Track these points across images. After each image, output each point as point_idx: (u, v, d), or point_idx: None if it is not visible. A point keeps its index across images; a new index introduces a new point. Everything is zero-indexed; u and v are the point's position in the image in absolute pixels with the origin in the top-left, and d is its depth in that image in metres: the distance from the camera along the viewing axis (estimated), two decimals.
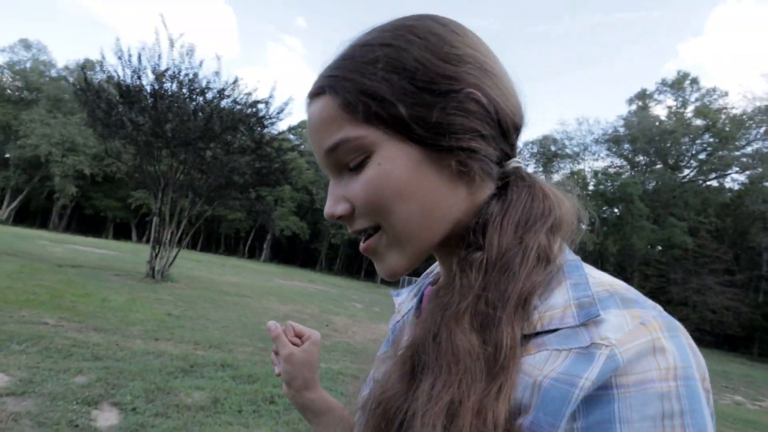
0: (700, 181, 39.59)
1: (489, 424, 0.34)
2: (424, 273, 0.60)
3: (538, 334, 0.37)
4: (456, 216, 0.43)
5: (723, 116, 37.88)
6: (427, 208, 0.41)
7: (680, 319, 0.37)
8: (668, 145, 39.55)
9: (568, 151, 45.67)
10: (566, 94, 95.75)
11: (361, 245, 0.45)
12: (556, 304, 0.37)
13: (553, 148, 45.84)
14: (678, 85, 40.29)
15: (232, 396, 5.04)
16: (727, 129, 37.17)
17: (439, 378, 0.36)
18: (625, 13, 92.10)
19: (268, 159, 16.20)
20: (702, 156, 39.51)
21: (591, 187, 43.67)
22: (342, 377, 7.06)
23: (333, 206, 0.44)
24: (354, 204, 0.43)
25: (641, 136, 39.39)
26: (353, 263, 61.35)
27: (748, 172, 37.20)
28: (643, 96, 42.33)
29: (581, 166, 45.51)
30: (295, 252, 63.61)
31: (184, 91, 13.49)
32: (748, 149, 37.11)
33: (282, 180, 17.16)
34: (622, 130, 41.94)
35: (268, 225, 50.65)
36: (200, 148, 13.81)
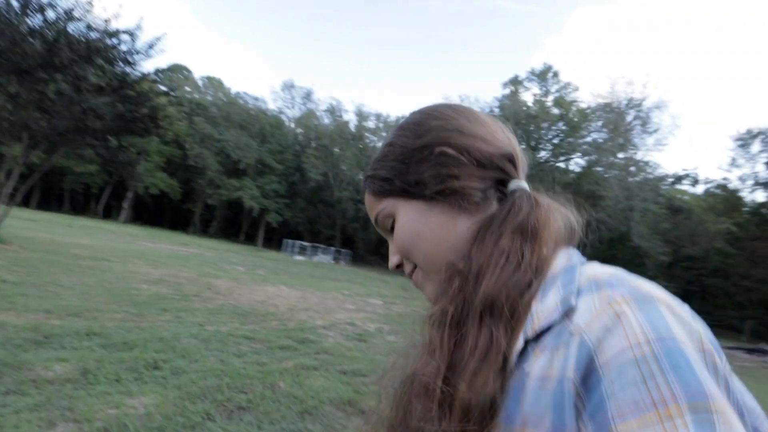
0: (552, 162, 45.94)
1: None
2: None
3: (539, 336, 0.42)
4: (466, 242, 0.53)
5: (573, 108, 44.10)
6: (438, 243, 0.53)
7: None
8: (531, 128, 44.85)
9: None
10: (452, 70, 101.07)
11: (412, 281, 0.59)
12: (549, 305, 0.43)
13: None
14: (543, 75, 45.55)
15: (105, 365, 4.39)
16: (575, 120, 43.48)
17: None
18: (505, 2, 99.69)
19: (133, 102, 14.04)
20: (556, 141, 45.77)
21: None
22: (233, 339, 6.66)
23: (391, 260, 0.60)
24: (398, 254, 0.58)
25: (512, 118, 43.91)
26: (231, 225, 57.72)
27: (586, 158, 44.26)
28: (515, 82, 46.92)
29: None
30: (161, 213, 57.33)
31: (14, 2, 10.78)
32: (588, 138, 44.03)
33: (152, 128, 15.13)
34: (497, 111, 46.14)
35: (130, 181, 44.50)
36: (40, 80, 11.30)
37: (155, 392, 4.20)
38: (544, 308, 0.43)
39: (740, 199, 42.31)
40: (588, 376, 0.35)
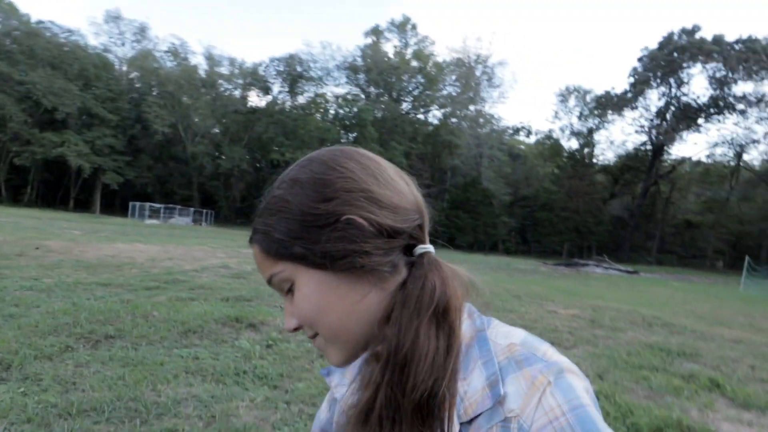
0: (412, 114, 48.42)
1: None
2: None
3: (472, 420, 0.44)
4: (375, 315, 0.48)
5: (431, 61, 46.55)
6: (345, 316, 0.48)
7: None
8: (393, 80, 46.20)
9: (312, 74, 47.25)
10: (312, 15, 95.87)
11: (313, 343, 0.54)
12: (477, 389, 0.44)
13: (299, 69, 46.46)
14: (402, 27, 46.68)
15: None
16: (433, 73, 46.10)
17: None
18: None
19: None
20: (416, 93, 48.10)
21: (332, 112, 47.16)
22: (82, 286, 5.72)
23: (288, 322, 0.52)
24: (299, 322, 0.51)
25: (374, 68, 44.48)
26: (54, 191, 47.80)
27: (443, 110, 47.77)
28: (376, 32, 47.19)
29: (324, 90, 48.15)
30: None
31: None
32: (444, 92, 47.37)
33: None
34: (359, 60, 46.12)
35: None
36: None
37: None
38: (472, 391, 0.44)
39: (561, 146, 50.85)
40: None
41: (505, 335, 0.48)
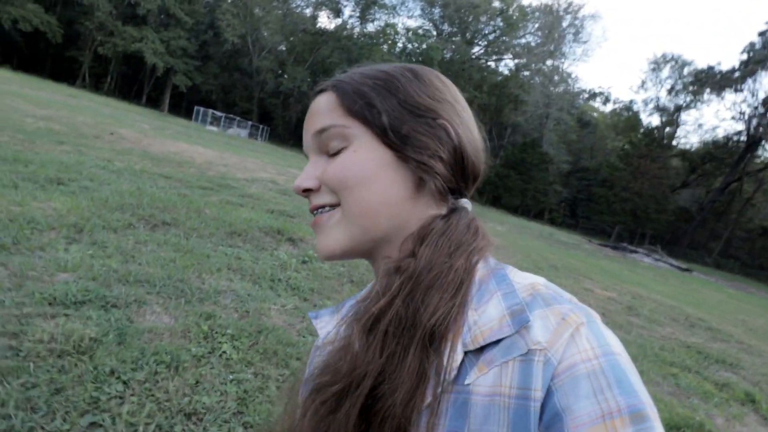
0: (483, 60, 45.67)
1: None
2: (352, 297, 0.59)
3: (482, 349, 0.40)
4: (402, 219, 0.48)
5: (515, 4, 42.86)
6: (381, 201, 0.47)
7: None
8: (470, 19, 43.21)
9: (386, 1, 45.02)
10: None
11: (312, 221, 0.51)
12: (493, 317, 0.41)
13: None
14: None
15: None
16: (515, 17, 42.59)
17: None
18: None
19: None
20: (491, 37, 44.98)
21: (400, 45, 45.32)
22: (147, 174, 6.16)
23: (304, 180, 0.50)
24: (322, 181, 0.49)
25: (452, 3, 41.63)
26: (130, 85, 50.45)
27: (516, 61, 44.62)
28: None
29: (395, 21, 46.02)
30: (38, 58, 47.96)
31: None
32: (522, 41, 43.93)
33: None
34: None
35: None
36: None
37: (64, 200, 3.81)
38: (485, 320, 0.42)
39: (639, 120, 46.81)
40: (547, 391, 0.37)
41: (525, 277, 0.46)
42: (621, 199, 39.92)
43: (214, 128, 36.30)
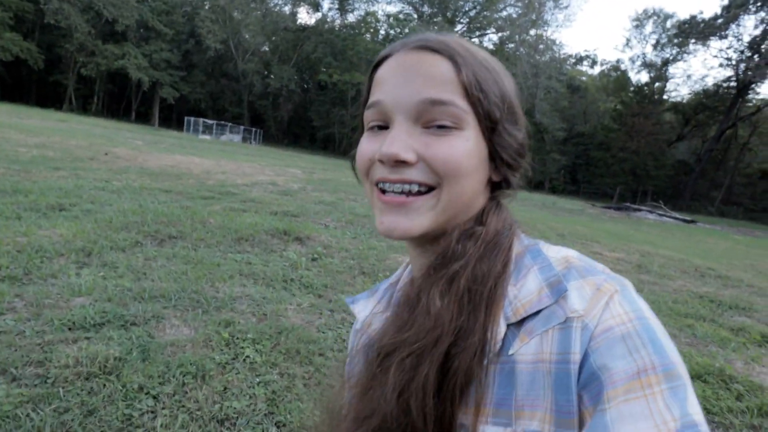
0: (467, 37, 45.05)
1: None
2: (385, 281, 0.62)
3: (523, 321, 0.43)
4: (473, 210, 0.50)
5: None
6: (474, 193, 0.49)
7: None
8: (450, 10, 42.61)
9: None
10: None
11: (396, 197, 0.47)
12: (532, 290, 0.44)
13: None
14: None
15: None
16: None
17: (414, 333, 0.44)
18: None
19: None
20: (472, 13, 44.44)
21: (382, 33, 44.84)
22: (147, 191, 6.17)
23: (402, 149, 0.45)
24: (426, 159, 0.46)
25: None
26: (117, 102, 50.20)
27: (500, 34, 44.11)
28: None
29: (375, 9, 45.51)
30: (23, 86, 47.69)
31: None
32: (504, 13, 43.36)
33: None
34: None
35: None
36: None
37: (68, 226, 3.82)
38: (524, 293, 0.44)
39: (628, 79, 46.34)
40: (584, 354, 0.39)
41: (558, 250, 0.48)
42: (619, 160, 39.75)
43: (207, 137, 36.21)
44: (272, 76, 45.26)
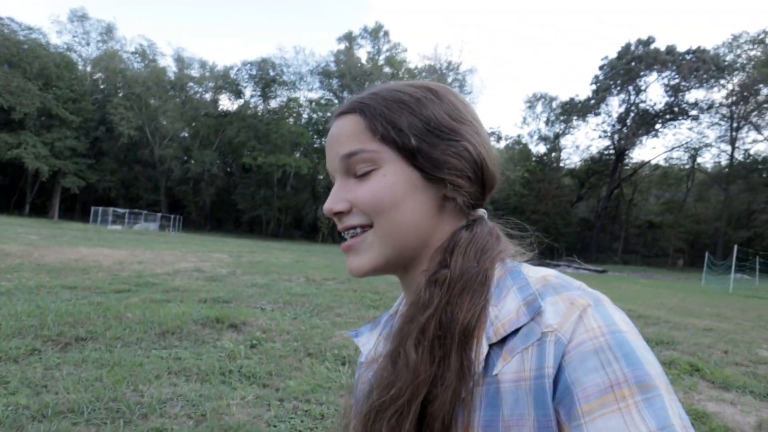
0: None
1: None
2: (386, 312, 0.64)
3: (505, 340, 0.43)
4: (429, 235, 0.51)
5: (403, 68, 46.87)
6: (412, 221, 0.50)
7: None
8: (366, 85, 45.93)
9: (285, 78, 46.72)
10: (286, 19, 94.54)
11: (345, 243, 0.53)
12: (511, 309, 0.44)
13: (271, 73, 45.84)
14: (375, 34, 46.82)
15: None
16: (406, 79, 46.40)
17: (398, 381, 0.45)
18: None
19: None
20: None
21: (305, 117, 46.67)
22: (46, 289, 5.38)
23: (334, 203, 0.51)
24: (354, 204, 0.51)
25: (347, 73, 44.35)
26: (8, 196, 45.17)
27: None
28: (349, 37, 47.12)
29: (297, 95, 47.68)
30: None
31: None
32: None
33: None
34: (332, 65, 45.92)
35: None
36: None
37: None
38: (504, 313, 0.45)
39: (530, 150, 52.17)
40: (558, 368, 0.39)
41: (537, 270, 0.49)
42: (532, 222, 42.54)
43: (117, 227, 33.58)
44: (192, 161, 44.32)
